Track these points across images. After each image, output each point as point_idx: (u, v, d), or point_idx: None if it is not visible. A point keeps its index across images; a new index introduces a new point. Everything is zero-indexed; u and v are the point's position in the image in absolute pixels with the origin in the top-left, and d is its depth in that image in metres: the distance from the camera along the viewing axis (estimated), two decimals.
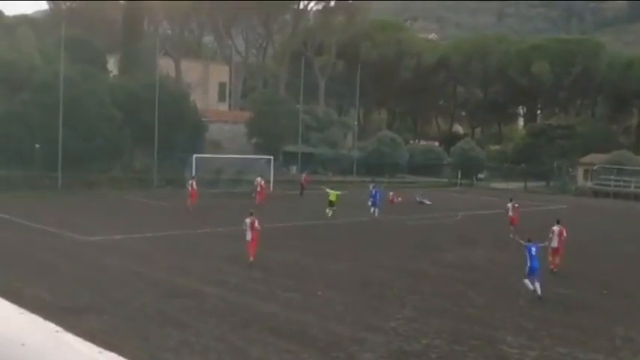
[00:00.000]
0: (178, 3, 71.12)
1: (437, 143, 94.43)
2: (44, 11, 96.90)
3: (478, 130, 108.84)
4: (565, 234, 22.52)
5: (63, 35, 47.74)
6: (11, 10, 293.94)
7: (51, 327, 4.09)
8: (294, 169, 63.09)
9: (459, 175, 70.15)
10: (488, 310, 16.78)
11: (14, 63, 48.22)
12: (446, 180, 72.42)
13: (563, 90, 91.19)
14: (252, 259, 21.73)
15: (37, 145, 46.05)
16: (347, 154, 70.57)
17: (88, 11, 77.28)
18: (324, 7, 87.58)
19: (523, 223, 35.51)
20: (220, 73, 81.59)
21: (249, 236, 21.92)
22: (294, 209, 41.26)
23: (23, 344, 3.65)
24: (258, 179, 41.72)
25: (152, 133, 49.68)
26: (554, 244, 22.31)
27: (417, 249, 27.32)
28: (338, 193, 37.21)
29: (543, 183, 71.10)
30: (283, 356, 12.45)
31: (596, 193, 63.85)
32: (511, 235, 21.77)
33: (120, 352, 3.88)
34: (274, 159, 54.27)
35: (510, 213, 32.67)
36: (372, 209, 37.68)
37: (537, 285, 18.17)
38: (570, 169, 72.84)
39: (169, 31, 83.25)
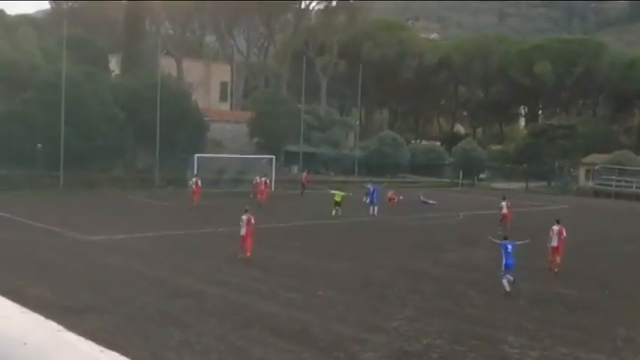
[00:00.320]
0: (180, 3, 71.14)
1: (438, 143, 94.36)
2: (46, 11, 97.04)
3: (479, 130, 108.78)
4: (565, 233, 22.56)
5: (65, 35, 47.76)
6: (13, 9, 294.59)
7: (52, 326, 4.11)
8: (295, 168, 63.09)
9: (461, 175, 70.12)
10: (489, 310, 16.79)
11: (16, 62, 48.27)
12: (447, 180, 72.39)
13: (565, 90, 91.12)
14: (248, 254, 22.18)
15: (38, 145, 46.10)
16: (348, 153, 70.57)
17: (89, 11, 77.34)
18: (326, 7, 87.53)
19: (523, 222, 35.58)
20: (222, 73, 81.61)
21: (243, 231, 22.45)
22: (295, 209, 41.27)
23: (25, 343, 3.66)
24: (264, 179, 42.84)
25: (154, 133, 49.71)
26: (554, 243, 22.38)
27: (418, 249, 27.33)
28: (343, 194, 37.65)
29: (545, 183, 71.06)
30: (284, 356, 12.46)
31: (597, 194, 63.81)
32: (489, 237, 21.89)
33: (121, 352, 3.90)
34: (276, 159, 54.31)
35: (504, 211, 33.30)
36: (371, 208, 37.81)
37: (508, 279, 18.68)
38: (572, 170, 72.78)
39: (171, 31, 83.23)
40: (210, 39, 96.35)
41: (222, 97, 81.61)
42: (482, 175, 76.57)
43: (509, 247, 19.16)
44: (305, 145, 63.32)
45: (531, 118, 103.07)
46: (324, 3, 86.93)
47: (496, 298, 18.34)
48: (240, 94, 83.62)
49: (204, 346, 12.77)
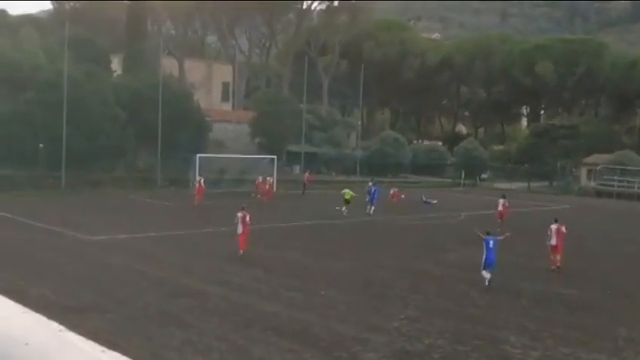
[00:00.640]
0: (182, 3, 71.23)
1: (440, 143, 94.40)
2: (48, 11, 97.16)
3: (481, 130, 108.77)
4: (564, 230, 22.62)
5: (67, 35, 47.83)
6: (15, 9, 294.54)
7: (54, 326, 4.12)
8: (297, 168, 63.12)
9: (463, 175, 70.11)
10: (491, 310, 16.78)
11: (18, 62, 48.32)
12: (449, 180, 72.40)
13: (567, 90, 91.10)
14: (241, 251, 22.75)
15: (40, 145, 46.15)
16: (350, 153, 70.59)
17: (91, 11, 77.46)
18: (328, 7, 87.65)
19: (525, 222, 35.60)
20: (224, 73, 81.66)
21: (240, 229, 22.93)
22: (296, 209, 41.30)
23: (27, 343, 3.67)
24: (269, 178, 44.75)
25: (156, 133, 49.75)
26: (553, 242, 22.44)
27: (420, 249, 27.31)
28: (353, 194, 38.32)
29: (546, 183, 71.05)
30: (286, 356, 12.46)
31: (599, 194, 63.79)
32: (476, 229, 22.05)
33: (123, 352, 3.91)
34: (277, 159, 54.36)
35: (500, 208, 35.07)
36: (369, 206, 37.95)
37: (487, 275, 19.18)
38: (574, 170, 72.77)
39: (173, 31, 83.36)
40: (211, 39, 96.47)
41: (224, 97, 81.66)
42: (484, 175, 76.56)
43: (491, 242, 19.50)
44: (307, 145, 63.34)
45: (533, 118, 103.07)
46: (326, 3, 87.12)
47: (498, 298, 18.33)
48: (241, 94, 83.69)
49: (205, 346, 12.77)
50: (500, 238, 20.36)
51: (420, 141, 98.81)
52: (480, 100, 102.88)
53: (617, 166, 64.74)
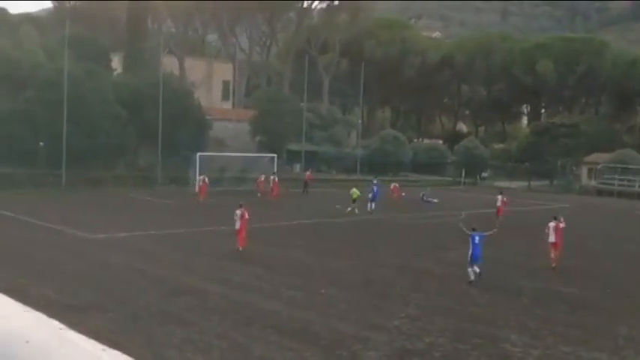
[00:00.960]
0: (182, 1, 71.15)
1: (441, 142, 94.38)
2: (48, 10, 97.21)
3: (482, 128, 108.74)
4: (562, 225, 22.68)
5: (67, 33, 47.83)
6: (15, 8, 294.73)
7: (55, 324, 4.12)
8: (297, 167, 63.12)
9: (463, 174, 70.09)
10: (491, 309, 16.79)
11: (18, 61, 48.33)
12: (450, 178, 72.38)
13: (568, 88, 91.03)
14: (240, 248, 23.17)
15: (41, 143, 46.15)
16: (351, 152, 70.58)
17: (91, 9, 77.43)
18: (328, 6, 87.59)
19: (525, 221, 35.60)
20: (224, 72, 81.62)
21: (238, 225, 23.42)
22: (297, 207, 41.30)
23: (28, 341, 3.67)
24: (273, 177, 44.88)
25: (156, 131, 49.75)
26: (552, 239, 22.48)
27: (420, 247, 27.32)
28: (359, 193, 38.65)
29: (547, 182, 71.00)
30: (286, 354, 12.46)
31: (600, 192, 63.76)
32: (460, 224, 22.21)
33: (123, 350, 3.91)
34: (278, 157, 54.31)
35: (498, 204, 36.39)
36: (369, 204, 38.02)
37: (473, 270, 19.36)
38: (574, 168, 72.73)
39: (173, 30, 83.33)
40: (212, 37, 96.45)
41: (225, 96, 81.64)
42: (484, 174, 76.52)
43: (477, 238, 19.68)
44: (307, 144, 63.33)
45: (534, 116, 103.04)
46: (327, 2, 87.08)
47: (498, 296, 18.34)
48: (242, 92, 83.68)
49: (206, 344, 12.77)
50: (486, 234, 20.48)
51: (420, 139, 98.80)
52: (481, 98, 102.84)
53: (618, 165, 64.69)
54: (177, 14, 77.52)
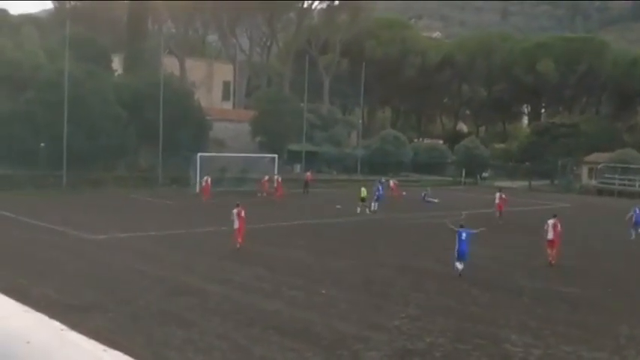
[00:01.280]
0: (182, 2, 71.12)
1: (441, 141, 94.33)
2: (49, 10, 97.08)
3: (482, 128, 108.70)
4: (559, 227, 22.81)
5: (67, 34, 47.85)
6: (16, 9, 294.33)
7: (56, 325, 4.12)
8: (298, 167, 63.12)
9: (463, 174, 70.08)
10: (492, 309, 16.78)
11: (18, 62, 48.35)
12: (450, 178, 72.37)
13: (568, 88, 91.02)
14: (239, 245, 23.76)
15: (41, 144, 46.17)
16: (351, 152, 70.57)
17: (92, 10, 77.40)
18: (329, 6, 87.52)
19: (525, 220, 35.58)
20: (224, 72, 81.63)
21: (236, 224, 24.06)
22: (298, 207, 41.30)
23: (28, 342, 3.67)
24: (276, 177, 45.85)
25: (157, 132, 49.78)
26: (550, 236, 22.61)
27: (420, 247, 27.32)
28: (367, 193, 39.12)
29: (548, 181, 70.99)
30: (287, 354, 12.46)
31: (600, 192, 63.74)
32: (447, 221, 22.39)
33: (124, 351, 3.91)
34: (278, 157, 54.29)
35: (497, 201, 37.31)
36: (373, 204, 38.12)
37: (460, 265, 19.84)
38: (575, 168, 72.70)
39: (174, 30, 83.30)
40: (212, 38, 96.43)
41: (225, 96, 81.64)
42: (484, 174, 76.51)
43: (464, 234, 19.96)
44: (307, 144, 63.33)
45: (534, 116, 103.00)
46: (327, 2, 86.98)
47: (499, 296, 18.34)
48: (242, 93, 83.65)
49: (207, 345, 12.78)
50: (474, 231, 20.58)
51: (420, 139, 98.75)
52: (481, 98, 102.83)
53: (619, 165, 64.67)
54: (178, 15, 77.48)
